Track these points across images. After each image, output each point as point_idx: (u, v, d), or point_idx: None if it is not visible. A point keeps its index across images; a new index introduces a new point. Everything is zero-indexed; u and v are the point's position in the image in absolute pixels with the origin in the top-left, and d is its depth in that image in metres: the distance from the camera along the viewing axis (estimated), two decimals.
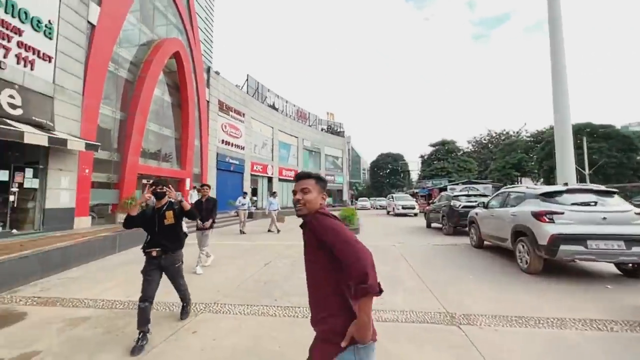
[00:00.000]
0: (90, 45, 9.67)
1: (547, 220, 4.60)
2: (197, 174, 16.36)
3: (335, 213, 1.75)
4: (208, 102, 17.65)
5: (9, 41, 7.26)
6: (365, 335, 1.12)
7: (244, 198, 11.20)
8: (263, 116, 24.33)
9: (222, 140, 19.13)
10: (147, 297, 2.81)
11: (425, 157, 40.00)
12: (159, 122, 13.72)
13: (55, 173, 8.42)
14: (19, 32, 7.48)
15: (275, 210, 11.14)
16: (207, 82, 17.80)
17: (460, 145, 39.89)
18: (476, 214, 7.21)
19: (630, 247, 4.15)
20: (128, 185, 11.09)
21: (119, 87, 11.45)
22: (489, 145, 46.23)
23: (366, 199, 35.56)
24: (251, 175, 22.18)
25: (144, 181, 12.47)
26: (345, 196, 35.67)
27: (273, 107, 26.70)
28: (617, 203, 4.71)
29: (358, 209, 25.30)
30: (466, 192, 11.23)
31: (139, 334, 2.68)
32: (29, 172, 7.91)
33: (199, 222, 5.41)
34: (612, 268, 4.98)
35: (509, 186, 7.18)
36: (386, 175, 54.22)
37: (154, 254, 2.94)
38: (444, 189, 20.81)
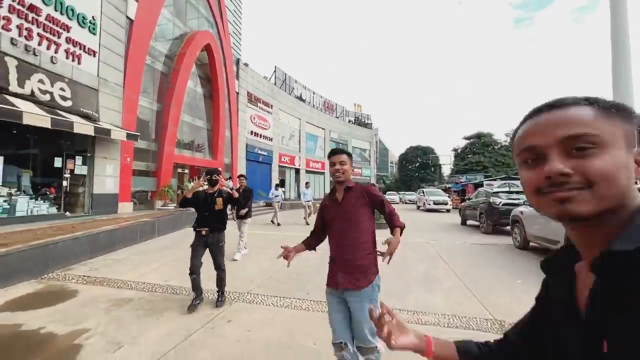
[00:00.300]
0: (129, 40, 10.10)
1: None
2: (228, 164, 16.81)
3: None
4: (237, 93, 17.94)
5: (58, 37, 7.74)
6: (396, 249, 1.72)
7: (277, 190, 11.28)
8: (290, 107, 24.36)
9: (251, 132, 19.44)
10: (193, 270, 3.29)
11: (459, 150, 37.91)
12: (192, 114, 14.19)
13: (101, 161, 9.00)
14: (67, 28, 7.95)
15: (308, 201, 11.13)
16: (237, 74, 18.05)
17: (498, 139, 37.32)
18: (521, 212, 6.63)
19: None
20: (165, 173, 11.65)
21: (155, 79, 11.94)
22: None
23: (394, 192, 34.63)
24: (279, 166, 22.43)
25: (180, 170, 13.03)
26: None
27: (300, 98, 26.62)
28: None
29: None
30: (507, 189, 10.44)
31: (195, 293, 3.30)
32: (78, 159, 8.52)
33: (237, 211, 5.68)
34: None
35: None
36: (415, 169, 52.45)
37: (204, 232, 3.38)
38: (480, 184, 19.63)
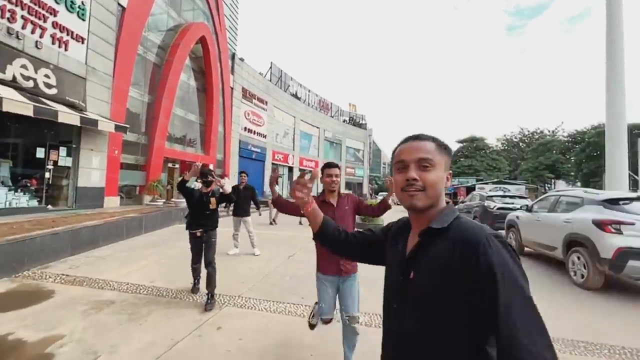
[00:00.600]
0: (121, 28, 9.70)
1: (612, 230, 4.00)
2: (220, 160, 16.47)
3: None
4: (232, 88, 17.59)
5: (44, 21, 7.34)
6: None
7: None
8: (285, 105, 24.09)
9: (245, 128, 19.11)
10: (196, 262, 3.57)
11: (452, 153, 38.31)
12: (184, 107, 13.80)
13: (87, 153, 8.61)
14: (54, 12, 7.54)
15: None
16: (232, 69, 17.69)
17: (490, 143, 37.81)
18: (517, 217, 6.59)
19: None
20: (155, 168, 11.27)
21: (147, 70, 11.53)
22: (521, 144, 43.64)
23: (387, 193, 34.73)
24: (272, 164, 22.14)
25: (170, 165, 12.63)
26: (365, 190, 35.08)
27: (295, 96, 26.35)
28: None
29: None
30: (501, 193, 10.47)
31: (194, 280, 3.64)
32: (62, 150, 8.12)
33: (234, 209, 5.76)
34: None
35: (561, 189, 6.50)
36: None
37: (198, 234, 3.47)
38: (472, 188, 19.80)
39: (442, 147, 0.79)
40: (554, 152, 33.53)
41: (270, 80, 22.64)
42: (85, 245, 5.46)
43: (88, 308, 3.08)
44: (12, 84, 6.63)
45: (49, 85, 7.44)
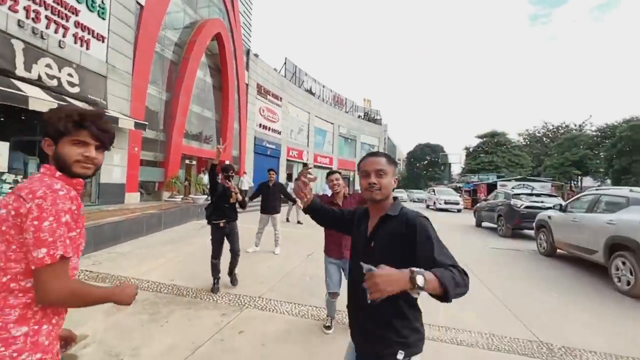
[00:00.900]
0: (139, 26, 9.80)
1: None
2: (236, 157, 16.56)
3: None
4: (247, 85, 17.59)
5: (67, 20, 7.47)
6: None
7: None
8: (300, 101, 23.93)
9: (260, 124, 19.12)
10: (216, 256, 3.61)
11: (471, 149, 36.94)
12: (200, 104, 13.91)
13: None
14: (75, 12, 7.67)
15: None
16: (247, 65, 17.67)
17: (512, 138, 36.22)
18: (549, 217, 6.18)
19: None
20: (173, 164, 11.43)
21: (164, 68, 11.65)
22: (544, 139, 41.62)
23: (402, 190, 34.03)
24: (287, 160, 22.12)
25: (187, 162, 12.79)
26: None
27: (310, 91, 26.13)
28: None
29: None
30: (527, 191, 9.94)
31: (214, 279, 3.57)
32: None
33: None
34: None
35: (601, 188, 6.03)
36: (423, 167, 51.65)
37: (221, 224, 3.62)
38: (494, 185, 19.02)
39: (391, 160, 1.24)
40: (581, 147, 31.71)
41: (285, 76, 22.52)
42: (108, 241, 5.54)
43: (110, 307, 3.05)
44: (38, 82, 6.80)
45: (72, 84, 7.61)
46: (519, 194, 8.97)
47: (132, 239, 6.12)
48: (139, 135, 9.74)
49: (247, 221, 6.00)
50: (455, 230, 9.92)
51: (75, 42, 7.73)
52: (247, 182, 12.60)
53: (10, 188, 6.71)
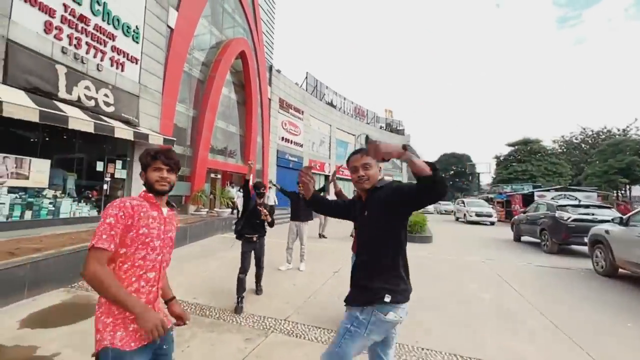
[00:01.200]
0: (169, 48, 10.33)
1: None
2: (259, 170, 16.75)
3: None
4: (270, 99, 17.98)
5: (105, 46, 8.00)
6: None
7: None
8: (321, 114, 24.09)
9: (282, 138, 19.35)
10: (244, 270, 3.61)
11: (501, 157, 35.03)
12: (225, 120, 14.32)
13: (139, 165, 9.11)
14: (112, 37, 8.21)
15: None
16: (269, 80, 18.13)
17: (547, 145, 33.92)
18: (606, 232, 5.46)
19: None
20: (199, 178, 11.70)
21: (192, 86, 12.16)
22: (583, 145, 38.65)
23: None
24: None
25: (213, 175, 13.04)
26: None
27: (331, 104, 26.29)
28: None
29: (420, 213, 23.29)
30: (574, 202, 9.03)
31: (238, 298, 3.46)
32: (119, 163, 8.71)
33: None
34: None
35: None
36: (449, 177, 49.69)
37: (254, 239, 3.79)
38: (530, 195, 17.69)
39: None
40: (627, 153, 28.99)
41: (306, 90, 22.86)
42: None
43: None
44: (77, 103, 7.24)
45: (107, 104, 8.05)
46: (564, 206, 8.14)
47: None
48: None
49: (272, 235, 5.81)
50: (489, 245, 9.15)
51: (112, 65, 8.23)
52: (272, 197, 12.41)
53: (50, 203, 7.08)
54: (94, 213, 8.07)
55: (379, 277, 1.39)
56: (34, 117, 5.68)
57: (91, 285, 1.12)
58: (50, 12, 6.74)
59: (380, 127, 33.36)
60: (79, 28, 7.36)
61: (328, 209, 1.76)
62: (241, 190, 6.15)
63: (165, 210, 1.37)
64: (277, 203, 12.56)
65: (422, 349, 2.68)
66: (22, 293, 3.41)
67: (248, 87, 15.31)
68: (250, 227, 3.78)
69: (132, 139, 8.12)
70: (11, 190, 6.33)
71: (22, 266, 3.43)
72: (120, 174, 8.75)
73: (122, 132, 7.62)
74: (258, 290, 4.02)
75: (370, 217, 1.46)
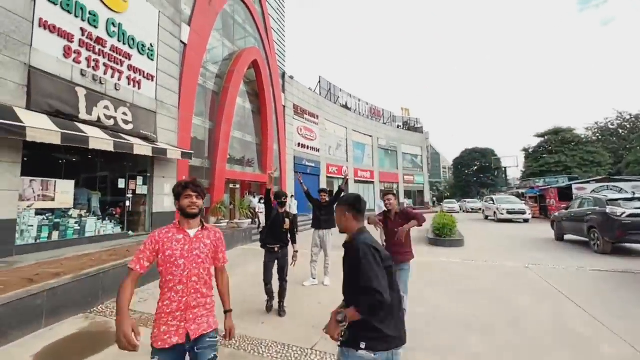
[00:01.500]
0: (183, 63, 10.46)
1: None
2: (277, 178, 16.66)
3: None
4: (284, 106, 17.92)
5: (121, 65, 8.16)
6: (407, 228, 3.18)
7: None
8: (336, 117, 23.80)
9: (298, 144, 19.22)
10: (267, 281, 3.79)
11: (530, 150, 32.94)
12: (241, 130, 14.35)
13: (159, 180, 9.22)
14: (128, 56, 8.37)
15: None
16: (283, 87, 18.10)
17: (580, 134, 31.52)
18: None
19: None
20: (218, 190, 11.70)
21: (207, 98, 12.27)
22: (620, 130, 35.66)
23: (454, 201, 31.29)
24: (327, 177, 21.80)
25: (231, 186, 13.04)
26: (427, 197, 32.36)
27: (346, 106, 25.95)
28: None
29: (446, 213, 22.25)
30: (625, 195, 8.07)
31: (267, 299, 3.83)
32: (139, 179, 8.82)
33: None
34: None
35: None
36: (473, 173, 47.54)
37: (276, 249, 3.80)
38: (567, 188, 16.33)
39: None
40: None
41: (320, 94, 22.68)
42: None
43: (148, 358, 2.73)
44: (97, 123, 7.38)
45: (126, 122, 8.17)
46: (615, 199, 7.25)
47: None
48: (186, 164, 10.15)
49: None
50: (529, 246, 8.35)
51: (129, 84, 8.38)
52: (294, 206, 12.22)
53: (76, 222, 7.21)
54: (118, 230, 8.18)
55: (355, 323, 1.45)
56: (56, 140, 5.78)
57: None
58: (68, 37, 6.93)
59: (398, 126, 32.52)
60: (97, 50, 7.53)
61: None
62: (262, 200, 6.24)
63: (193, 231, 1.66)
64: (297, 213, 12.35)
65: None
66: (40, 322, 3.31)
67: (262, 95, 15.32)
68: (272, 237, 3.80)
69: (151, 155, 8.18)
70: (39, 212, 6.48)
71: (39, 294, 3.34)
72: (142, 189, 8.85)
73: (141, 148, 7.68)
74: (281, 311, 3.75)
75: (344, 263, 1.67)
